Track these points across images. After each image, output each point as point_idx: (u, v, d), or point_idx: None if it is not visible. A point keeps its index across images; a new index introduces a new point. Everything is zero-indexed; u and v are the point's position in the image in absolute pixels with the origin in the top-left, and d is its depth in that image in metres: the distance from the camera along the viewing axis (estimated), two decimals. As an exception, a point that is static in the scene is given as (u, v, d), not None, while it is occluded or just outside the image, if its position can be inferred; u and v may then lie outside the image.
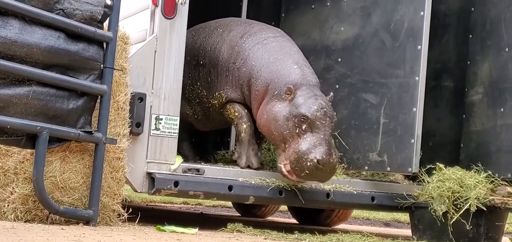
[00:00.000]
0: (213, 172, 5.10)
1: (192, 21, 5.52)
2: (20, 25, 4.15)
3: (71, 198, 4.42)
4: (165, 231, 4.59)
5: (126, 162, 4.64)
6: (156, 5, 4.93)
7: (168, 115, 4.94)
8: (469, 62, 5.77)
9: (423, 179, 5.35)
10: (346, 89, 5.67)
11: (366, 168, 5.51)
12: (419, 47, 5.19)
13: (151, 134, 4.89)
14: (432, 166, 5.35)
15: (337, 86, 5.72)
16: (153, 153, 4.90)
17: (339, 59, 5.77)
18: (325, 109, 4.91)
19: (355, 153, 5.55)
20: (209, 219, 6.92)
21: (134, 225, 4.63)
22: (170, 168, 4.94)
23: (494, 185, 5.21)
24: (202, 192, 4.97)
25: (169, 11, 4.94)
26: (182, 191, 4.92)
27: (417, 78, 5.18)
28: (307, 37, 6.05)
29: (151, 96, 4.90)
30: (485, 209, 5.06)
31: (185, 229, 4.68)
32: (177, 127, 4.97)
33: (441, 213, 5.08)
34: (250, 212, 7.92)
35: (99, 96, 4.48)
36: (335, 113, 5.03)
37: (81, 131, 4.37)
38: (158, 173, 4.87)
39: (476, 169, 5.30)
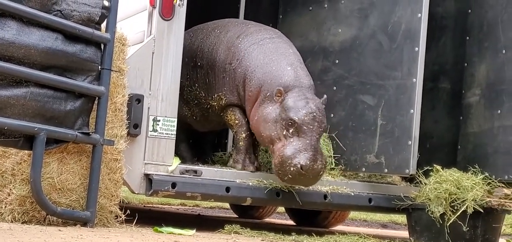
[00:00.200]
0: (211, 173, 5.10)
1: (190, 23, 5.53)
2: (18, 26, 4.15)
3: (68, 200, 4.42)
4: (163, 232, 4.59)
5: (124, 163, 4.64)
6: (153, 6, 4.93)
7: (166, 116, 4.94)
8: (466, 64, 5.78)
9: (420, 181, 5.36)
10: (344, 91, 5.67)
11: (364, 169, 5.52)
12: (417, 49, 5.19)
13: (149, 135, 4.89)
14: (429, 168, 5.36)
15: (335, 88, 5.73)
16: (150, 155, 4.90)
17: (337, 61, 5.78)
18: (314, 113, 4.88)
19: (353, 154, 5.55)
20: (207, 221, 6.91)
21: (132, 226, 4.62)
22: (168, 170, 4.94)
23: (491, 186, 5.22)
24: (199, 193, 4.97)
25: (167, 13, 4.94)
26: (179, 193, 4.92)
27: (414, 80, 5.18)
28: (304, 39, 6.06)
29: (149, 97, 4.90)
30: (482, 210, 5.06)
31: (183, 231, 4.68)
32: (175, 128, 4.97)
33: (438, 214, 5.08)
34: (248, 214, 7.92)
35: (97, 98, 4.48)
36: (325, 117, 4.99)
37: (79, 132, 4.37)
38: (155, 174, 4.87)
39: (473, 171, 5.31)
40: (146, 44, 4.92)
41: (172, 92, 4.96)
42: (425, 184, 5.28)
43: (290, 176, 4.77)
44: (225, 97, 5.35)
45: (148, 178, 4.87)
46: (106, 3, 4.45)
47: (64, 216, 4.37)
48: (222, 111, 5.43)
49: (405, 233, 6.44)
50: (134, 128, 4.81)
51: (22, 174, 4.32)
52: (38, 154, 4.20)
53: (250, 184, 5.11)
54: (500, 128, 5.32)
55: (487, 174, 5.27)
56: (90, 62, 4.43)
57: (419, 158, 5.27)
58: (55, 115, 4.31)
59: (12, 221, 4.28)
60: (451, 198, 5.08)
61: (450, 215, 5.06)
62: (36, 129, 4.19)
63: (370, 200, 5.47)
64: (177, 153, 5.19)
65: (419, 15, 5.19)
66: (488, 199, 5.12)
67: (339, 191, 5.37)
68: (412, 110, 5.18)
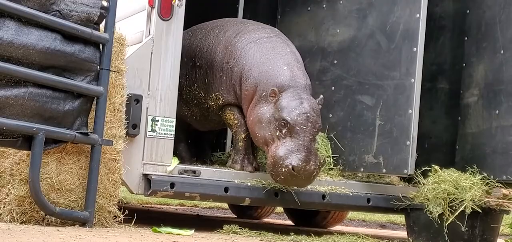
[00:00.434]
0: (209, 173, 5.10)
1: (189, 23, 5.53)
2: (17, 26, 4.14)
3: (67, 200, 4.42)
4: (161, 232, 4.59)
5: (122, 163, 4.64)
6: (152, 6, 4.93)
7: (164, 117, 4.94)
8: (464, 64, 5.79)
9: (418, 181, 5.36)
10: (342, 91, 5.68)
11: (362, 169, 5.52)
12: (415, 49, 5.20)
13: (147, 136, 4.89)
14: (428, 168, 5.37)
15: (333, 88, 5.73)
16: (149, 155, 4.90)
17: (335, 61, 5.78)
18: (308, 114, 4.84)
19: (351, 154, 5.55)
20: (205, 221, 6.92)
21: (130, 226, 4.62)
22: (166, 170, 4.94)
23: (489, 186, 5.23)
24: (198, 193, 4.97)
25: (166, 13, 4.94)
26: (178, 193, 4.92)
27: (412, 80, 5.19)
28: (303, 39, 6.06)
29: (148, 97, 4.90)
30: (480, 211, 5.07)
31: (181, 231, 4.68)
32: (173, 128, 4.97)
33: (436, 214, 5.09)
34: (246, 214, 7.92)
35: (95, 98, 4.48)
36: (320, 118, 4.96)
37: (77, 132, 4.37)
38: (154, 174, 4.87)
39: (471, 171, 5.32)
40: (145, 44, 4.92)
41: (170, 93, 4.96)
42: (424, 184, 5.28)
43: (282, 176, 4.75)
44: (223, 97, 5.34)
45: (147, 178, 4.87)
46: (105, 3, 4.45)
47: (63, 216, 4.37)
48: (220, 111, 5.42)
49: (403, 233, 6.44)
50: (132, 128, 4.81)
51: (20, 174, 4.32)
52: (36, 154, 4.20)
53: (249, 184, 5.11)
54: (498, 128, 5.32)
55: (485, 174, 5.27)
56: (89, 62, 4.43)
57: (417, 158, 5.27)
58: (53, 115, 4.30)
59: (10, 221, 4.28)
60: (449, 198, 5.09)
61: (448, 215, 5.07)
62: (34, 129, 4.19)
63: (368, 200, 5.47)
64: (175, 153, 5.19)
65: (418, 15, 5.20)
66: (486, 199, 5.13)
67: (338, 191, 5.37)
68: (410, 111, 5.19)
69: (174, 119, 4.98)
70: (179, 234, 4.59)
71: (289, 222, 7.57)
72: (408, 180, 5.72)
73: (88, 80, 4.44)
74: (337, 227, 7.26)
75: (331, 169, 5.60)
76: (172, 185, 4.87)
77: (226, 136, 6.83)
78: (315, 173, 4.80)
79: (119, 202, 4.67)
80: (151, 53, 4.92)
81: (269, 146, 4.88)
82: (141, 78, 4.88)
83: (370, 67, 5.49)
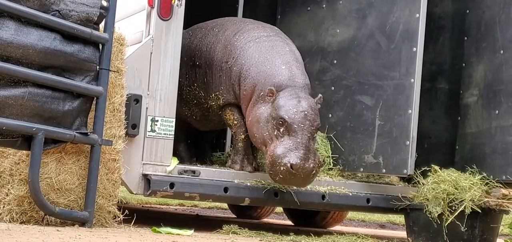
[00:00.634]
0: (209, 173, 5.10)
1: (188, 23, 5.53)
2: (16, 26, 4.14)
3: (66, 200, 4.42)
4: (161, 232, 4.59)
5: (122, 163, 4.64)
6: (152, 6, 4.93)
7: (164, 117, 4.94)
8: (464, 64, 5.79)
9: (418, 181, 5.36)
10: (342, 91, 5.68)
11: (362, 169, 5.52)
12: (415, 49, 5.20)
13: (147, 136, 4.89)
14: (427, 168, 5.37)
15: (333, 88, 5.73)
16: (148, 155, 4.90)
17: (335, 61, 5.78)
18: (305, 112, 4.81)
19: (351, 154, 5.55)
20: (205, 221, 6.92)
21: (130, 226, 4.62)
22: (166, 170, 4.94)
23: (489, 186, 5.23)
24: (197, 193, 4.97)
25: (165, 13, 4.94)
26: (177, 193, 4.92)
27: (412, 80, 5.19)
28: (303, 39, 6.06)
29: (147, 97, 4.90)
30: (480, 211, 5.07)
31: (181, 231, 4.68)
32: (173, 128, 4.97)
33: (436, 215, 5.09)
34: (246, 214, 7.92)
35: (95, 98, 4.48)
36: (318, 116, 4.94)
37: (77, 132, 4.37)
38: (153, 174, 4.87)
39: (471, 171, 5.32)
40: (145, 44, 4.92)
41: (170, 92, 4.96)
42: (423, 184, 5.28)
43: (280, 175, 4.71)
44: (222, 97, 5.34)
45: (146, 178, 4.87)
46: (105, 3, 4.45)
47: (62, 216, 4.37)
48: (220, 110, 5.42)
49: (403, 234, 6.44)
50: (132, 128, 4.81)
51: (20, 174, 4.32)
52: (36, 154, 4.20)
53: (248, 184, 5.10)
54: (498, 128, 5.32)
55: (485, 174, 5.27)
56: (88, 62, 4.43)
57: (417, 158, 5.27)
58: (53, 115, 4.30)
59: (10, 221, 4.28)
60: (449, 198, 5.09)
61: (448, 215, 5.07)
62: (34, 129, 4.19)
63: (368, 200, 5.47)
64: (175, 153, 5.19)
65: (417, 15, 5.20)
66: (486, 199, 5.13)
67: (337, 191, 5.37)
68: (410, 111, 5.19)
69: (174, 120, 4.98)
70: (178, 234, 4.59)
71: (289, 222, 7.57)
72: (408, 180, 5.72)
73: (88, 80, 4.44)
74: (337, 227, 7.26)
75: (331, 169, 5.60)
76: (171, 185, 4.87)
77: (226, 136, 6.83)
78: (314, 171, 4.74)
79: (118, 202, 4.68)
80: (151, 53, 4.92)
81: (267, 146, 4.87)
82: (141, 78, 4.88)
83: (370, 67, 5.49)
